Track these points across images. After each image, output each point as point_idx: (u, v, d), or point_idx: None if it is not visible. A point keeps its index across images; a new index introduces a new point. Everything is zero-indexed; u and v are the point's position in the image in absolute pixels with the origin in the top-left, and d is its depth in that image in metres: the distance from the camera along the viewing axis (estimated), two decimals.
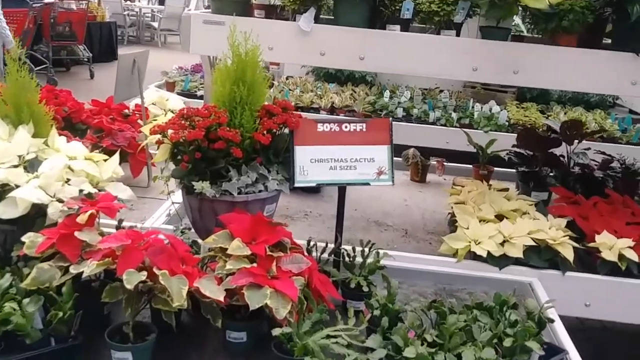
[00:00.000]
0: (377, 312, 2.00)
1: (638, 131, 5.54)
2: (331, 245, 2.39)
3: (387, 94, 5.77)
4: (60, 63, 10.46)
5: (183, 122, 2.12)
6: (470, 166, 3.94)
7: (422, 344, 1.84)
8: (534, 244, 2.63)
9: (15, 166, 2.18)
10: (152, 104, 3.67)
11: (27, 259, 1.96)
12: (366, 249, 2.32)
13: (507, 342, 1.87)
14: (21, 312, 1.77)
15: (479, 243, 2.62)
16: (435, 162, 4.03)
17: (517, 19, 3.50)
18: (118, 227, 2.26)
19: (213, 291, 1.84)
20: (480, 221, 2.79)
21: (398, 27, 2.81)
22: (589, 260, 2.74)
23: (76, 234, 1.89)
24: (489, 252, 2.59)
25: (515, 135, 3.76)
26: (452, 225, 2.95)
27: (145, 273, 1.79)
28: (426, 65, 2.77)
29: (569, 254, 2.60)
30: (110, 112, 3.36)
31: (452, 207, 3.00)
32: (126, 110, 3.45)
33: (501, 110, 5.55)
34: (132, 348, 1.80)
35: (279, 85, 5.75)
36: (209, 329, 1.94)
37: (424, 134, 5.24)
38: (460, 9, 2.77)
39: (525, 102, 6.18)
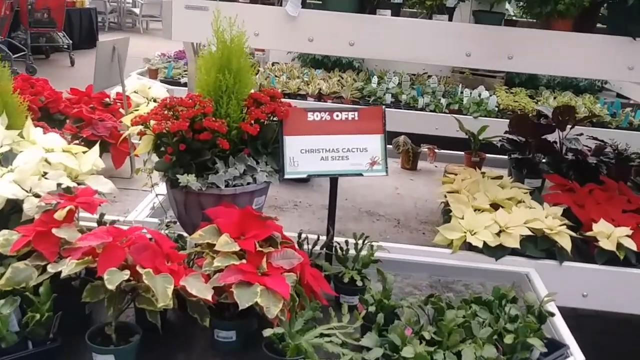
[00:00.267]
0: (372, 309, 1.92)
1: (627, 115, 5.50)
2: (323, 238, 2.30)
3: (375, 79, 5.68)
4: (39, 50, 10.23)
5: (166, 112, 2.01)
6: (462, 153, 3.87)
7: (419, 342, 1.76)
8: (530, 233, 2.56)
9: None
10: (134, 92, 3.55)
11: (1, 258, 1.85)
12: (360, 242, 2.23)
13: (508, 339, 1.81)
14: None
15: (474, 233, 2.54)
16: (426, 150, 3.95)
17: (508, 5, 3.41)
18: (100, 222, 2.16)
19: (200, 290, 1.75)
20: (474, 210, 2.72)
21: (389, 11, 2.71)
22: (586, 250, 2.68)
23: (54, 231, 1.79)
24: (484, 243, 2.52)
25: (505, 120, 3.69)
26: (446, 214, 2.88)
27: (127, 272, 1.70)
28: (418, 51, 2.68)
29: (566, 243, 2.54)
30: (91, 101, 3.23)
31: (445, 196, 2.92)
32: (107, 99, 3.32)
33: (490, 95, 5.49)
34: (115, 351, 1.70)
35: (264, 72, 5.63)
36: (197, 327, 1.85)
37: (413, 121, 5.16)
38: None
39: (514, 87, 6.13)
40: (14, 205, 1.98)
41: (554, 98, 5.85)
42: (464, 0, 2.81)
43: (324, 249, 2.26)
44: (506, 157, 3.64)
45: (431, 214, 3.13)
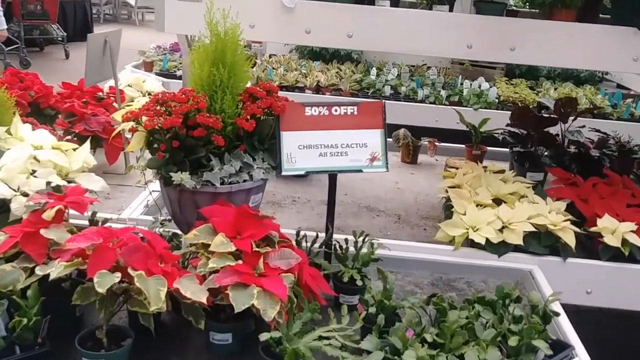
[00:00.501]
0: (372, 310, 1.87)
1: (628, 106, 5.44)
2: (322, 235, 2.24)
3: (373, 71, 5.60)
4: (33, 43, 10.12)
5: (158, 108, 1.94)
6: (463, 146, 3.81)
7: (421, 345, 1.71)
8: (533, 229, 2.51)
9: None
10: (128, 85, 3.48)
11: None
12: (359, 240, 2.17)
13: (513, 341, 1.75)
14: None
15: (476, 230, 2.49)
16: (426, 143, 3.89)
17: None
18: (92, 221, 2.10)
19: (195, 292, 1.69)
20: (476, 206, 2.66)
21: (388, 2, 2.65)
22: (590, 245, 2.62)
23: (42, 231, 1.72)
24: (487, 239, 2.46)
25: (506, 112, 3.62)
26: (448, 210, 2.82)
27: (119, 274, 1.63)
28: (418, 42, 2.61)
29: (570, 239, 2.48)
30: (83, 96, 3.15)
31: (446, 191, 2.86)
32: (100, 93, 3.25)
33: (490, 87, 5.42)
34: (106, 355, 1.65)
35: (262, 64, 5.55)
36: (192, 330, 1.79)
37: (412, 113, 5.09)
38: None
39: (515, 78, 6.05)
40: (1, 205, 1.92)
41: (555, 89, 5.79)
42: None
43: (323, 247, 2.20)
44: (507, 149, 3.58)
45: (432, 209, 3.07)
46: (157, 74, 5.34)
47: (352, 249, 2.18)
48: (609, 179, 3.08)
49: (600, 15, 2.93)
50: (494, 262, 2.46)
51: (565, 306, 2.22)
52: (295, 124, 2.11)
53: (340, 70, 5.59)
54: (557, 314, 1.98)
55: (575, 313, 2.53)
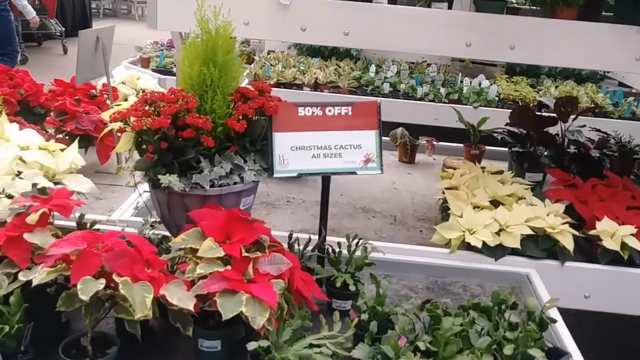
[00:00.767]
0: (365, 316, 1.82)
1: (630, 105, 5.38)
2: (315, 238, 2.20)
3: (372, 68, 5.54)
4: (31, 38, 10.06)
5: (147, 108, 1.89)
6: (461, 145, 3.75)
7: (414, 354, 1.66)
8: (531, 232, 2.46)
9: None
10: (122, 83, 3.43)
11: None
12: (352, 243, 2.13)
13: (508, 350, 1.71)
14: None
15: (473, 233, 2.44)
16: (424, 142, 3.84)
17: None
18: (79, 224, 2.05)
19: (182, 299, 1.64)
20: (474, 208, 2.61)
21: None
22: (588, 249, 2.58)
23: (25, 236, 1.68)
24: (484, 242, 2.41)
25: (506, 110, 3.57)
26: (444, 211, 2.77)
27: (103, 281, 1.59)
28: (415, 41, 2.56)
29: (568, 243, 2.44)
30: (76, 93, 3.10)
31: (443, 192, 2.81)
32: (93, 91, 3.19)
33: (491, 84, 5.36)
34: None
35: (260, 61, 5.49)
36: (180, 336, 1.74)
37: (411, 111, 5.04)
38: None
39: (515, 75, 5.99)
40: None
41: (556, 87, 5.73)
42: None
43: (316, 250, 2.16)
44: (507, 149, 3.53)
45: (429, 210, 3.03)
46: (153, 70, 5.29)
47: (345, 252, 2.13)
48: (609, 180, 3.03)
49: (603, 13, 2.89)
50: (490, 265, 2.41)
51: (563, 310, 2.18)
52: (287, 125, 2.06)
53: (339, 67, 5.53)
54: (554, 321, 1.93)
55: (574, 315, 2.49)
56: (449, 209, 2.64)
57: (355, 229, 2.71)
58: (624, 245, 2.46)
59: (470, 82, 5.38)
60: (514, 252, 2.45)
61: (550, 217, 2.54)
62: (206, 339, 1.77)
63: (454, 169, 3.16)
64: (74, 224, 2.04)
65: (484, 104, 5.08)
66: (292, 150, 2.05)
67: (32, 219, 1.71)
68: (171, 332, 1.80)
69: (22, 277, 1.64)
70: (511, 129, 3.51)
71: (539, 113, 3.42)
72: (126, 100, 3.16)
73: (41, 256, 1.66)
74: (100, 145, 2.73)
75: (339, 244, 2.13)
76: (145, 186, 2.32)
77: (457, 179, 2.90)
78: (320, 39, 2.76)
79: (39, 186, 1.93)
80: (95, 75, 2.91)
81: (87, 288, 1.55)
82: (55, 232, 1.78)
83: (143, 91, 3.44)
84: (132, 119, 1.86)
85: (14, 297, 1.62)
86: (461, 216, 2.52)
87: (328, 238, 2.23)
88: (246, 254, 1.76)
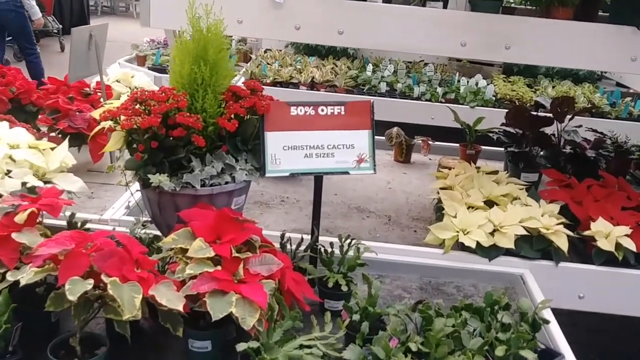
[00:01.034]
0: (356, 317, 1.81)
1: (627, 105, 5.37)
2: (308, 238, 2.18)
3: (369, 67, 5.53)
4: None
5: (137, 107, 1.87)
6: (457, 145, 3.74)
7: (405, 355, 1.65)
8: (525, 233, 2.45)
9: None
10: (116, 81, 3.41)
11: None
12: (345, 244, 2.11)
13: (500, 351, 1.69)
14: None
15: (467, 233, 2.43)
16: (420, 142, 3.82)
17: None
18: (70, 223, 2.04)
19: (171, 299, 1.63)
20: (468, 208, 2.60)
21: None
22: (583, 249, 2.57)
23: (13, 235, 1.66)
24: (478, 243, 2.40)
25: (503, 110, 3.56)
26: (439, 211, 2.76)
27: (91, 281, 1.57)
28: (410, 40, 2.54)
29: (563, 243, 2.43)
30: (69, 91, 3.08)
31: (438, 192, 2.80)
32: (87, 89, 3.18)
33: (488, 84, 5.35)
34: None
35: (256, 59, 5.48)
36: (170, 337, 1.72)
37: (408, 110, 5.03)
38: None
39: (512, 75, 5.98)
40: None
41: (553, 87, 5.72)
42: None
43: (308, 250, 2.14)
44: (503, 149, 3.51)
45: (424, 210, 3.01)
46: (149, 68, 5.27)
47: (338, 252, 2.12)
48: (604, 180, 3.02)
49: (600, 13, 2.87)
50: (484, 266, 2.40)
51: (557, 311, 2.18)
52: (280, 124, 2.05)
53: (336, 66, 5.52)
54: (547, 322, 1.92)
55: (568, 315, 2.48)
56: (443, 209, 2.63)
57: (349, 229, 2.70)
58: (618, 245, 2.45)
59: (467, 82, 5.37)
60: (508, 252, 2.44)
61: (544, 217, 2.53)
62: (196, 339, 1.75)
63: (449, 168, 3.15)
64: (64, 223, 2.03)
65: (480, 103, 5.07)
66: (284, 149, 2.04)
67: (20, 218, 1.70)
68: (161, 333, 1.78)
69: (10, 277, 1.62)
70: (507, 129, 3.50)
71: (535, 113, 3.40)
72: (120, 98, 3.14)
73: (29, 256, 1.64)
74: (92, 143, 2.72)
75: (331, 244, 2.11)
76: (138, 185, 2.31)
77: (451, 179, 2.89)
78: (314, 38, 2.75)
79: (28, 185, 1.92)
80: (88, 73, 2.90)
81: (75, 288, 1.53)
82: (44, 232, 1.77)
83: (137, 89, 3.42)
84: (122, 117, 1.85)
85: (1, 297, 1.61)
86: (455, 216, 2.51)
87: (321, 238, 2.22)
88: (236, 254, 1.75)
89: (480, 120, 3.57)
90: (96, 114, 1.98)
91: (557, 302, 2.30)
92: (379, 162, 3.68)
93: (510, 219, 2.48)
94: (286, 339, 1.67)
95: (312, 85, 5.07)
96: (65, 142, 2.16)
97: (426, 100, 5.15)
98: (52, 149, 2.13)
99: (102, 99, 3.02)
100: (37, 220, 1.81)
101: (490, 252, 2.41)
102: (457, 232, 2.43)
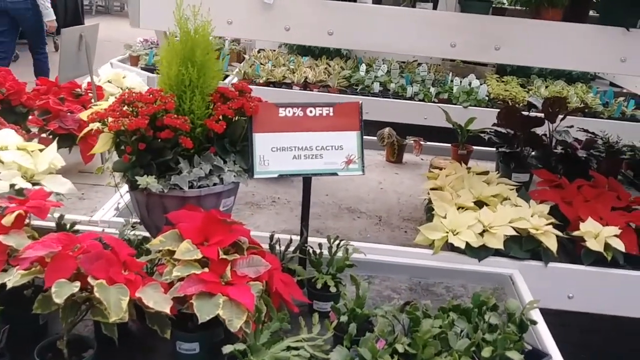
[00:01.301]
0: (344, 318, 1.81)
1: (620, 105, 5.39)
2: (297, 238, 2.19)
3: (363, 67, 5.53)
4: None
5: (125, 108, 1.87)
6: (449, 145, 3.75)
7: (392, 356, 1.66)
8: (515, 233, 2.46)
9: None
10: (108, 81, 3.40)
11: None
12: (334, 245, 2.12)
13: (486, 352, 1.70)
14: None
15: (456, 233, 2.44)
16: (412, 142, 3.83)
17: None
18: (59, 225, 2.04)
19: (158, 301, 1.63)
20: (458, 208, 2.61)
21: None
22: (572, 249, 2.58)
23: (0, 238, 1.66)
24: (467, 243, 2.41)
25: (496, 110, 3.57)
26: (429, 212, 2.76)
27: (78, 284, 1.58)
28: (400, 41, 2.55)
29: (552, 244, 2.44)
30: (60, 92, 3.08)
31: (429, 193, 2.80)
32: (78, 90, 3.17)
33: (481, 84, 5.36)
34: None
35: (249, 59, 5.47)
36: (158, 338, 1.73)
37: (401, 110, 5.04)
38: None
39: (506, 75, 5.99)
40: None
41: (546, 87, 5.73)
42: None
43: (298, 251, 2.15)
44: (494, 149, 3.52)
45: (415, 210, 3.02)
46: (142, 68, 5.26)
47: (327, 253, 2.12)
48: (595, 180, 3.04)
49: (592, 14, 2.88)
50: (474, 266, 2.41)
51: (546, 311, 2.18)
52: (268, 126, 2.05)
53: (329, 66, 5.52)
54: (535, 322, 1.93)
55: (559, 315, 2.49)
56: (433, 209, 2.63)
57: (340, 230, 2.71)
58: (607, 246, 2.46)
59: (461, 82, 5.38)
60: (497, 253, 2.45)
61: (534, 218, 2.54)
62: (184, 341, 1.75)
63: (441, 169, 3.15)
64: (54, 224, 2.03)
65: (473, 103, 5.08)
66: (272, 151, 2.04)
67: (7, 220, 1.70)
68: (149, 335, 1.78)
69: None
70: (498, 129, 3.51)
71: (526, 113, 3.40)
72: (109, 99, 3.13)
73: (16, 258, 1.64)
74: (83, 144, 2.71)
75: (320, 245, 2.12)
76: (127, 186, 2.31)
77: (442, 180, 2.90)
78: (304, 39, 2.75)
79: (16, 187, 1.92)
80: (79, 73, 2.89)
81: (62, 291, 1.53)
82: (32, 234, 1.77)
83: (129, 90, 3.41)
84: (110, 119, 1.85)
85: None
86: (445, 217, 2.52)
87: (312, 239, 2.22)
88: (224, 256, 1.75)
89: (472, 121, 3.57)
90: (84, 115, 1.97)
91: (546, 303, 2.32)
92: (371, 162, 3.69)
93: (500, 220, 2.49)
94: (273, 341, 1.67)
95: (305, 86, 5.07)
96: (54, 144, 2.16)
97: (419, 100, 5.15)
98: (41, 150, 2.13)
99: (93, 100, 3.02)
100: (25, 223, 1.81)
101: (480, 252, 2.42)
102: (447, 232, 2.44)
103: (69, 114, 2.92)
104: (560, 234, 2.50)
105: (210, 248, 1.75)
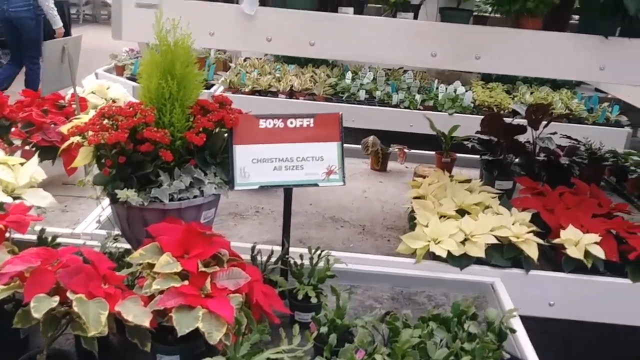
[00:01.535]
0: (324, 329, 1.82)
1: (604, 111, 5.44)
2: (279, 249, 2.20)
3: (349, 75, 5.55)
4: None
5: (105, 122, 1.88)
6: (433, 153, 3.77)
7: None
8: (496, 241, 2.48)
9: None
10: (92, 92, 3.40)
11: None
12: (315, 255, 2.13)
13: None
14: None
15: (438, 242, 2.45)
16: (396, 150, 3.85)
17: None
18: (40, 239, 2.04)
19: (137, 315, 1.63)
20: (440, 217, 2.63)
21: (351, 9, 2.60)
22: (554, 257, 2.60)
23: None
24: (449, 252, 2.43)
25: (481, 117, 3.60)
26: (412, 220, 2.78)
27: (57, 298, 1.58)
28: (381, 51, 2.56)
29: (532, 252, 2.46)
30: (44, 104, 3.07)
31: (411, 202, 2.82)
32: (61, 101, 3.17)
33: (466, 91, 5.39)
34: None
35: (235, 68, 5.48)
36: (138, 352, 1.72)
37: (387, 118, 5.07)
38: None
39: (491, 82, 6.03)
40: None
41: (531, 93, 5.77)
42: None
43: (279, 262, 2.15)
44: (479, 156, 3.55)
45: (398, 219, 3.03)
46: (128, 78, 5.26)
47: (308, 264, 2.13)
48: (577, 188, 3.06)
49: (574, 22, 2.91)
50: (455, 275, 2.42)
51: (527, 318, 2.20)
52: (248, 137, 2.06)
53: (315, 74, 5.54)
54: (514, 331, 1.95)
55: (539, 322, 2.51)
56: (416, 218, 2.65)
57: (323, 239, 2.72)
58: (587, 253, 2.48)
59: (446, 89, 5.41)
60: (479, 261, 2.46)
61: (515, 226, 2.56)
62: (165, 354, 1.75)
63: (425, 177, 3.17)
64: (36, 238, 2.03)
65: (459, 110, 5.11)
66: (253, 162, 2.05)
67: None
68: (130, 348, 1.78)
69: None
70: (482, 136, 3.53)
71: (509, 120, 3.43)
72: (95, 109, 3.13)
73: None
74: (66, 156, 2.70)
75: (301, 256, 2.13)
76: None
77: (425, 188, 2.91)
78: (286, 49, 2.76)
79: None
80: (62, 85, 2.89)
81: (41, 306, 1.54)
82: (12, 249, 1.77)
83: (113, 101, 3.42)
84: (90, 133, 1.85)
85: None
86: (427, 226, 2.53)
87: (294, 249, 2.23)
88: (204, 269, 1.75)
89: (456, 128, 3.59)
90: (65, 129, 1.98)
91: (528, 310, 2.33)
92: (356, 170, 3.71)
93: (481, 228, 2.51)
94: (254, 353, 1.67)
95: (291, 94, 5.08)
96: (35, 158, 2.16)
97: (405, 107, 5.17)
98: (22, 164, 2.13)
99: (76, 112, 3.02)
100: (5, 237, 1.81)
101: (461, 261, 2.43)
102: (429, 241, 2.45)
103: (52, 125, 2.91)
104: (541, 241, 2.52)
105: (190, 261, 1.75)
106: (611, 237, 2.60)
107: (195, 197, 1.95)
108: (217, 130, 2.04)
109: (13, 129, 2.89)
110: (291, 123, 2.11)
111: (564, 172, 3.35)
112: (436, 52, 2.55)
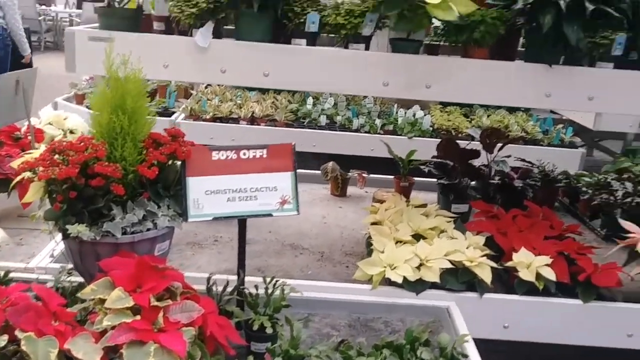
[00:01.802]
0: None
1: (559, 132, 5.60)
2: (235, 279, 2.20)
3: (310, 101, 5.61)
4: None
5: (55, 157, 1.88)
6: (392, 177, 3.83)
7: None
8: (451, 266, 2.53)
9: None
10: (49, 123, 3.37)
11: None
12: (270, 285, 2.14)
13: None
14: None
15: (394, 268, 2.49)
16: (356, 175, 3.90)
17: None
18: None
19: (87, 352, 1.62)
20: (397, 242, 2.67)
21: (304, 41, 2.64)
22: (507, 280, 2.66)
23: None
24: (404, 278, 2.46)
25: (439, 140, 3.67)
26: (369, 246, 2.82)
27: (6, 337, 1.57)
28: (334, 81, 2.62)
29: (486, 275, 2.51)
30: None
31: (368, 228, 2.86)
32: (17, 133, 3.14)
33: (425, 115, 5.50)
34: None
35: (196, 95, 5.50)
36: None
37: (348, 142, 5.14)
38: (368, 21, 2.62)
39: (449, 106, 6.15)
40: None
41: (488, 116, 5.90)
42: (381, 28, 2.76)
43: (235, 293, 2.16)
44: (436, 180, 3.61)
45: (357, 245, 3.07)
46: (87, 107, 5.22)
47: (263, 294, 2.14)
48: (530, 210, 3.14)
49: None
50: (411, 300, 2.46)
51: (483, 342, 2.24)
52: (201, 169, 2.08)
53: (276, 100, 5.58)
54: (465, 356, 1.99)
55: (501, 344, 2.56)
56: (372, 244, 2.69)
57: (282, 267, 2.74)
58: (539, 275, 2.54)
59: (405, 113, 5.51)
60: (434, 285, 2.50)
61: (470, 249, 2.62)
62: None
63: (383, 201, 3.22)
64: None
65: (418, 134, 5.21)
66: (206, 194, 2.07)
67: None
68: None
69: None
70: (439, 160, 3.60)
71: (465, 143, 3.51)
72: (53, 141, 3.10)
73: None
74: (20, 189, 2.67)
75: (256, 286, 2.14)
76: None
77: (382, 214, 2.96)
78: (240, 81, 2.79)
79: None
80: (16, 118, 2.87)
81: None
82: None
83: (71, 131, 3.40)
84: (40, 168, 1.85)
85: None
86: (383, 252, 2.57)
87: (252, 278, 2.24)
88: (156, 303, 1.75)
89: (413, 153, 3.66)
90: (15, 164, 1.97)
91: (483, 333, 2.39)
92: (316, 196, 3.74)
93: (436, 253, 2.55)
94: None
95: (253, 120, 5.11)
96: None
97: (365, 132, 5.25)
98: None
99: (32, 144, 2.99)
100: None
101: (417, 286, 2.47)
102: (385, 267, 2.49)
103: (7, 158, 2.88)
104: (494, 265, 2.58)
105: (141, 295, 1.75)
106: (562, 258, 2.67)
107: (148, 230, 1.96)
108: (169, 162, 2.05)
109: None
110: (244, 154, 2.13)
111: (518, 195, 3.44)
112: (388, 82, 2.61)
